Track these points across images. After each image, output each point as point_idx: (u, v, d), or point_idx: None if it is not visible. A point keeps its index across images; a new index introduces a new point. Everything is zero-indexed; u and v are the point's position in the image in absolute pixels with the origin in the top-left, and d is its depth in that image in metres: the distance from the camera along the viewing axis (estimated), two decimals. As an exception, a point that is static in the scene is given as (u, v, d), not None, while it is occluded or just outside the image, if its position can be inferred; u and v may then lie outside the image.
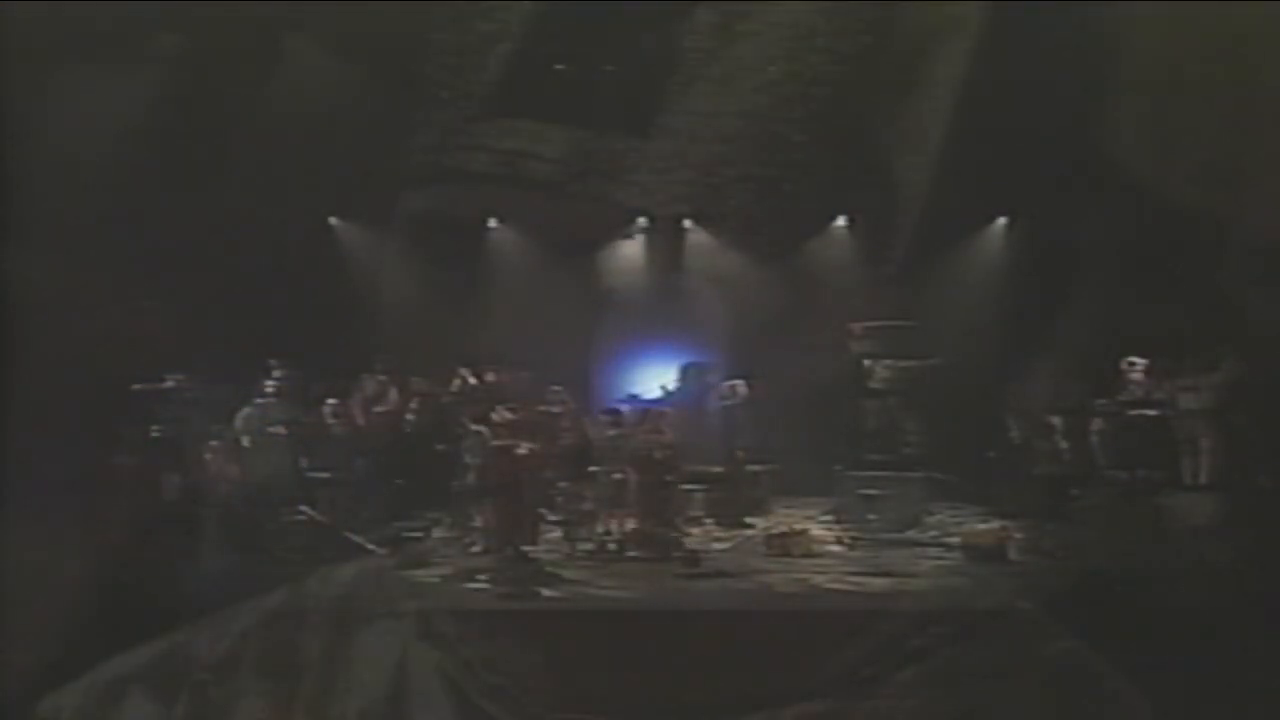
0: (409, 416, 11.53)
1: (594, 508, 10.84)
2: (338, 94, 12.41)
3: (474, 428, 10.68)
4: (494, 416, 11.57)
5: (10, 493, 9.42)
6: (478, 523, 10.38)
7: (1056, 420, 11.01)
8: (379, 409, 11.93)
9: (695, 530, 10.99)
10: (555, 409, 11.36)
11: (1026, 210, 13.75)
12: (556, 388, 11.83)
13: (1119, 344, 11.28)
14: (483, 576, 9.34)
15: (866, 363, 12.11)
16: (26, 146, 10.39)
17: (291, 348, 11.56)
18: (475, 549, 10.22)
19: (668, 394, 13.02)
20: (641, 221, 14.60)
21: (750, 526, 11.29)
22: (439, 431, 11.36)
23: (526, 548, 9.81)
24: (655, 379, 13.38)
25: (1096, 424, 10.94)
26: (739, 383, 11.79)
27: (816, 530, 10.99)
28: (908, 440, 11.92)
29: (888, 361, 12.06)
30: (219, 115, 12.17)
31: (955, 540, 10.72)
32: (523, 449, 10.42)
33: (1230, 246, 11.77)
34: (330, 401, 11.37)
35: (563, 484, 10.67)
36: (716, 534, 11.01)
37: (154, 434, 10.56)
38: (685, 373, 13.36)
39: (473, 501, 10.49)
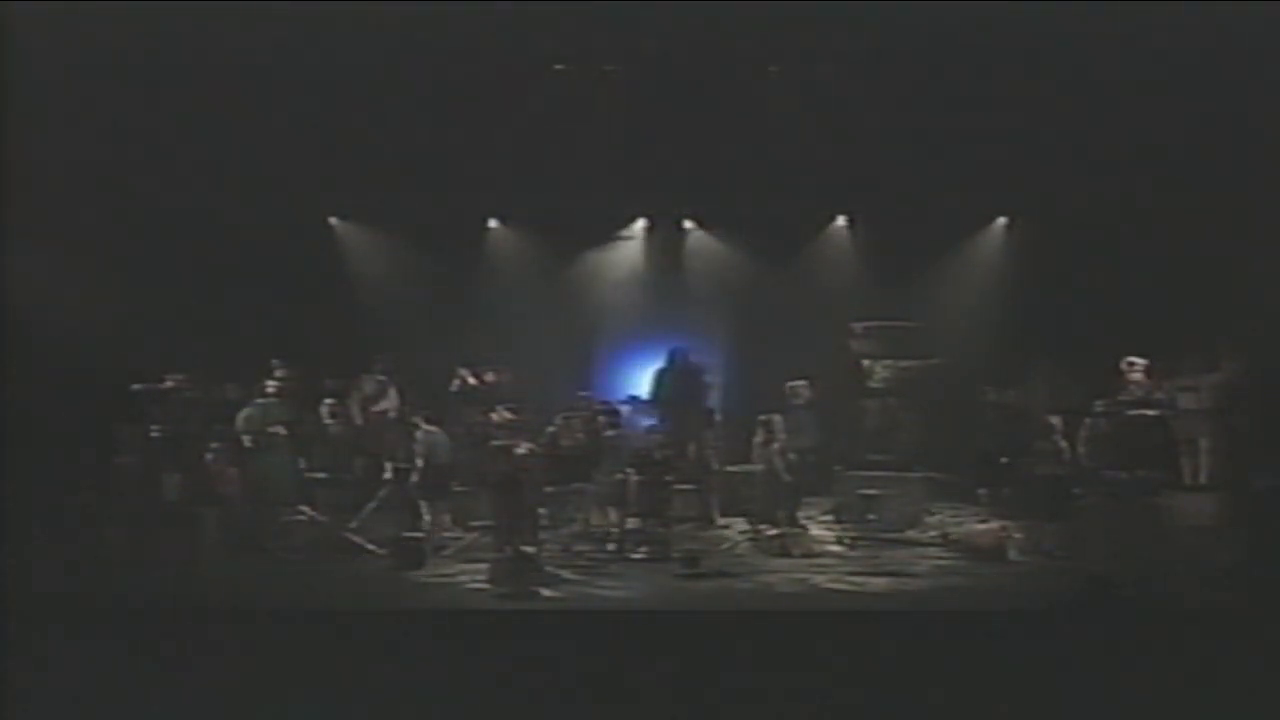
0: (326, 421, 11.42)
1: (594, 508, 10.90)
2: (339, 92, 12.45)
3: (426, 428, 10.71)
4: (494, 416, 11.61)
5: (10, 493, 9.44)
6: (426, 518, 10.44)
7: (1056, 420, 11.02)
8: (377, 408, 11.96)
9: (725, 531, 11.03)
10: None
11: (1026, 210, 13.78)
12: (583, 393, 12.00)
13: (1119, 344, 11.29)
14: (482, 576, 9.36)
15: (866, 363, 12.12)
16: (26, 147, 10.40)
17: (291, 348, 11.56)
18: (454, 549, 10.27)
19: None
20: (641, 221, 14.66)
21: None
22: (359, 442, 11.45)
23: (526, 548, 9.82)
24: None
25: (1096, 424, 10.94)
26: (801, 384, 11.60)
27: (816, 530, 10.99)
28: (908, 440, 11.93)
29: (888, 361, 12.07)
30: (220, 114, 12.21)
31: (955, 540, 10.75)
32: (522, 449, 10.43)
33: (1231, 246, 11.79)
34: (328, 401, 11.39)
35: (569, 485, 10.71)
36: (755, 533, 10.93)
37: (154, 434, 10.56)
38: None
39: (431, 500, 10.55)
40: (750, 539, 10.78)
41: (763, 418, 11.08)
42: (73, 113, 11.44)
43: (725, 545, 10.66)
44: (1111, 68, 11.71)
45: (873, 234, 14.01)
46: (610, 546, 10.49)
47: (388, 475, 10.77)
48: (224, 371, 11.37)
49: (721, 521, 11.52)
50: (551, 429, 11.33)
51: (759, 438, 11.07)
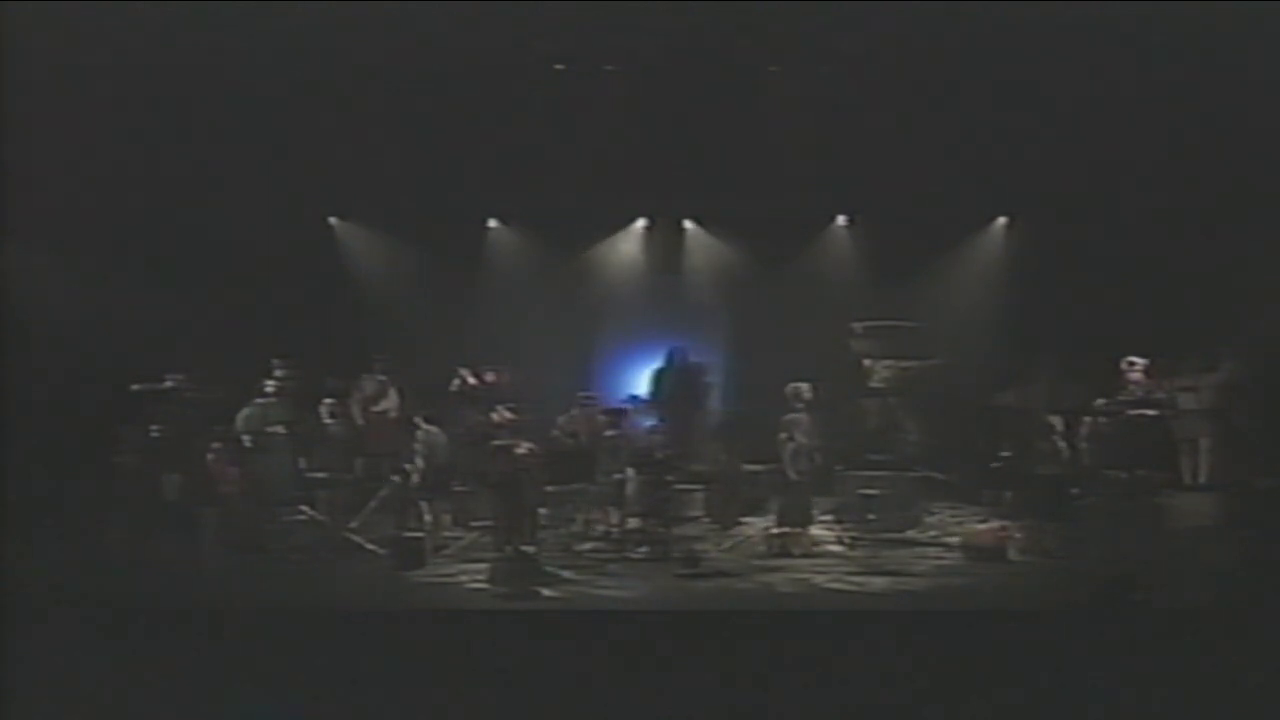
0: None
1: (594, 508, 10.90)
2: (339, 92, 12.46)
3: (426, 428, 10.71)
4: (494, 416, 11.61)
5: (10, 493, 9.43)
6: (426, 518, 10.43)
7: (1056, 420, 11.02)
8: (377, 409, 11.95)
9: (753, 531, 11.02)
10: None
11: (1026, 210, 13.78)
12: (584, 393, 12.04)
13: (1119, 344, 11.30)
14: (482, 576, 9.36)
15: (867, 363, 12.12)
16: (26, 146, 10.40)
17: (292, 348, 11.56)
18: (454, 549, 10.28)
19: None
20: (641, 221, 14.66)
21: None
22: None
23: (526, 548, 9.82)
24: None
25: (1097, 424, 10.94)
26: (803, 386, 11.57)
27: (816, 530, 10.99)
28: (908, 440, 11.93)
29: (888, 361, 12.07)
30: (219, 113, 12.21)
31: (955, 540, 10.75)
32: (522, 449, 10.43)
33: (1231, 246, 11.79)
34: (328, 401, 11.39)
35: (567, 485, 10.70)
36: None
37: (154, 434, 10.56)
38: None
39: (431, 500, 10.54)
40: (744, 540, 10.81)
41: (786, 418, 11.09)
42: (72, 113, 11.45)
43: (728, 544, 10.70)
44: (1111, 67, 11.73)
45: (873, 234, 14.01)
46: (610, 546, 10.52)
47: (389, 476, 10.79)
48: (224, 371, 11.37)
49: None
50: (556, 432, 11.39)
51: (783, 436, 11.11)
